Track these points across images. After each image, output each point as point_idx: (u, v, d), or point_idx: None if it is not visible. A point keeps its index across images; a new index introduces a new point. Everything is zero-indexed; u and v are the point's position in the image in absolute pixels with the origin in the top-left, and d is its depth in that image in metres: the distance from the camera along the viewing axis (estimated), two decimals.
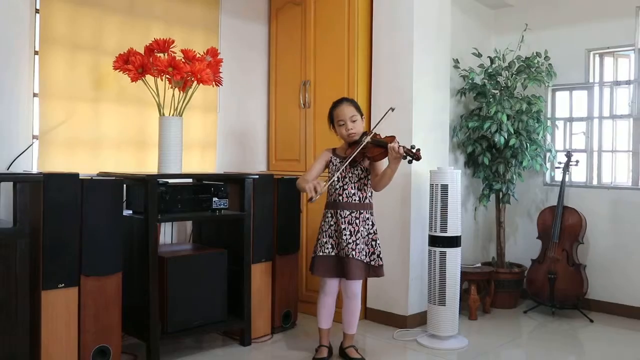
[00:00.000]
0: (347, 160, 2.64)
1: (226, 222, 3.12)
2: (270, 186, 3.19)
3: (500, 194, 4.00)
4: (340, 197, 2.70)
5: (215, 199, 2.93)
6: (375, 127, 2.72)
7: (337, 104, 2.76)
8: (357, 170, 2.71)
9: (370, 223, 2.73)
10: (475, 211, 4.29)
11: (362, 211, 2.70)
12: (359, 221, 2.69)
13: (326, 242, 2.72)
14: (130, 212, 2.85)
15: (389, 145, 2.56)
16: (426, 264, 3.30)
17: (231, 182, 3.08)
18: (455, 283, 3.14)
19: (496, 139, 3.77)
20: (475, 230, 4.31)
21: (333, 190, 2.74)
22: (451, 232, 3.12)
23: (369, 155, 2.66)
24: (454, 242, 3.13)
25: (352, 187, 2.70)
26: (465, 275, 3.62)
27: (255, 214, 3.08)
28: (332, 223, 2.72)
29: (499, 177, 3.95)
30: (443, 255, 3.12)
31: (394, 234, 3.41)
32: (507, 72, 3.96)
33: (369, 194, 2.76)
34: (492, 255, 4.28)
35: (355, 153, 2.63)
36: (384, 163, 2.67)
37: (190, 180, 3.18)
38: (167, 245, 3.25)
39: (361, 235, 2.68)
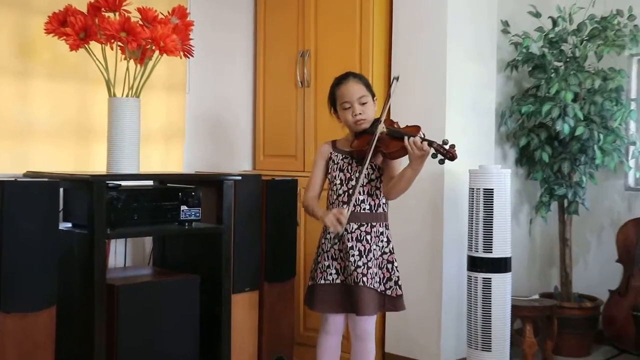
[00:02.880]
0: (363, 164, 2.63)
1: (198, 238, 3.11)
2: (257, 190, 3.19)
3: (565, 201, 3.97)
4: (345, 206, 2.68)
5: (183, 207, 2.94)
6: (385, 109, 2.69)
7: (340, 80, 2.76)
8: (367, 169, 2.69)
9: (385, 239, 2.72)
10: (531, 224, 4.27)
11: (374, 224, 2.69)
12: (371, 237, 2.67)
13: (328, 266, 2.71)
14: (69, 225, 2.85)
15: (408, 140, 2.53)
16: (464, 295, 3.28)
17: (205, 186, 3.08)
18: (504, 321, 3.13)
19: (559, 128, 3.74)
20: (530, 250, 4.29)
21: (335, 197, 2.73)
22: (498, 252, 3.11)
23: (384, 151, 2.63)
24: (502, 265, 3.13)
25: (360, 192, 2.68)
26: (517, 311, 3.59)
27: (236, 228, 3.08)
28: (335, 241, 2.71)
29: (562, 179, 3.92)
30: (487, 283, 3.11)
31: (421, 254, 3.40)
32: (575, 37, 3.93)
33: (383, 201, 2.74)
34: (555, 284, 4.25)
35: (370, 152, 2.61)
36: (402, 162, 2.64)
37: (150, 182, 3.20)
38: (118, 269, 3.25)
39: (374, 255, 2.67)
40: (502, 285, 3.11)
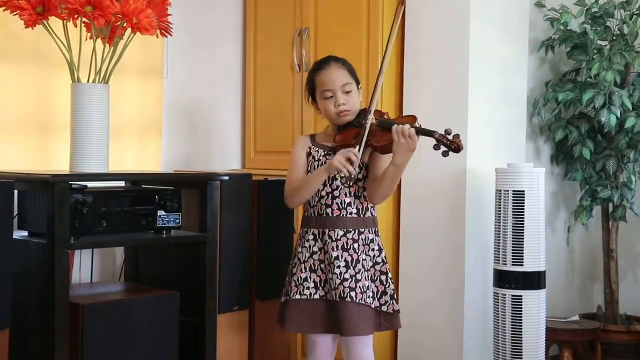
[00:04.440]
0: (359, 145, 2.61)
1: (178, 248, 3.12)
2: (247, 193, 3.21)
3: (610, 205, 3.96)
4: (329, 210, 2.71)
5: (161, 212, 2.95)
6: (375, 97, 2.68)
7: (321, 65, 2.79)
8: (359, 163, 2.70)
9: (377, 247, 2.74)
10: (569, 233, 4.25)
11: (362, 230, 2.72)
12: (359, 245, 2.70)
13: (305, 279, 2.72)
14: (25, 233, 2.85)
15: (395, 126, 2.54)
16: (490, 315, 3.28)
17: (186, 187, 3.09)
18: (538, 346, 3.12)
19: (603, 119, 3.74)
20: (569, 263, 4.29)
21: (317, 199, 2.74)
22: (530, 265, 3.11)
23: (374, 144, 2.64)
24: (534, 281, 3.13)
25: (346, 194, 2.71)
26: (554, 334, 3.60)
27: (223, 236, 3.09)
28: (315, 249, 2.73)
29: (607, 179, 3.92)
30: (518, 301, 3.11)
31: (440, 268, 3.40)
32: (622, 11, 3.90)
33: (372, 204, 2.77)
34: (598, 303, 4.25)
35: (363, 144, 2.60)
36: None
37: (122, 183, 3.20)
38: (84, 285, 3.25)
39: (363, 266, 2.69)
40: (535, 304, 3.11)
